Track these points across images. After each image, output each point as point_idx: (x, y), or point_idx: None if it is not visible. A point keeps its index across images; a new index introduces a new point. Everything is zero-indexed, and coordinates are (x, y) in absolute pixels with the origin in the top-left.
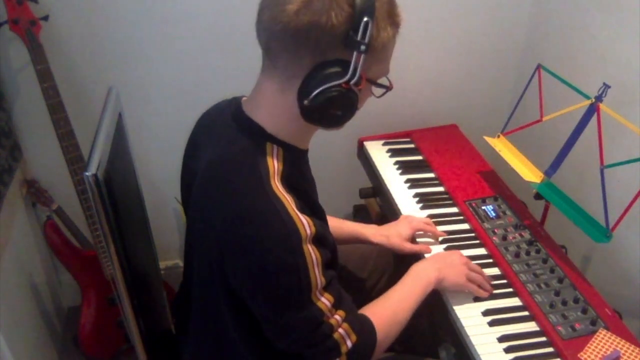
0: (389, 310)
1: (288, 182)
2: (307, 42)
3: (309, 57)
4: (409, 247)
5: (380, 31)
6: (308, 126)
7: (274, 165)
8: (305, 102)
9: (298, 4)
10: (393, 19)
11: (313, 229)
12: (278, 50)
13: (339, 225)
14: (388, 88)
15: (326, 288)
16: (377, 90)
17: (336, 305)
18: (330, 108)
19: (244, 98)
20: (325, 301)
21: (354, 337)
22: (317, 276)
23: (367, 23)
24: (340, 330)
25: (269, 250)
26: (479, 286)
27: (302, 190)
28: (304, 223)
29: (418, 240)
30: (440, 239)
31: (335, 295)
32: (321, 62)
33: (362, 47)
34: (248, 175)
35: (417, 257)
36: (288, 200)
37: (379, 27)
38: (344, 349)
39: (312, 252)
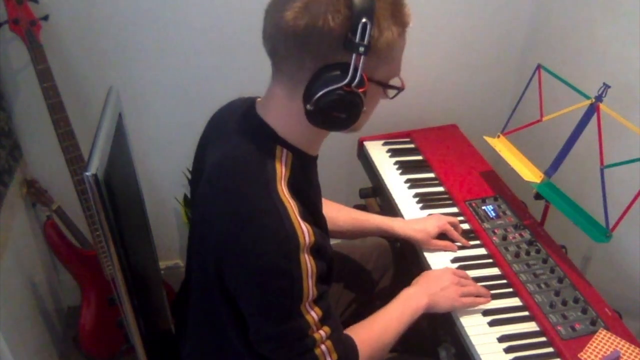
0: (374, 334)
1: (294, 187)
2: (307, 46)
3: (311, 61)
4: (434, 243)
5: (383, 31)
6: (317, 131)
7: (282, 169)
8: (308, 106)
9: (295, 10)
10: (398, 18)
11: (312, 238)
12: (282, 56)
13: (365, 217)
14: (399, 89)
15: (317, 301)
16: (390, 92)
17: (323, 321)
18: (333, 111)
19: (258, 99)
20: (313, 314)
21: (335, 356)
22: (310, 287)
23: (365, 24)
24: (323, 346)
25: (265, 253)
26: (476, 297)
27: (307, 197)
28: (305, 231)
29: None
30: (457, 243)
31: (324, 309)
32: (323, 66)
33: (361, 49)
34: (254, 177)
35: (418, 262)
36: (292, 206)
37: (382, 28)
38: None
39: (307, 262)
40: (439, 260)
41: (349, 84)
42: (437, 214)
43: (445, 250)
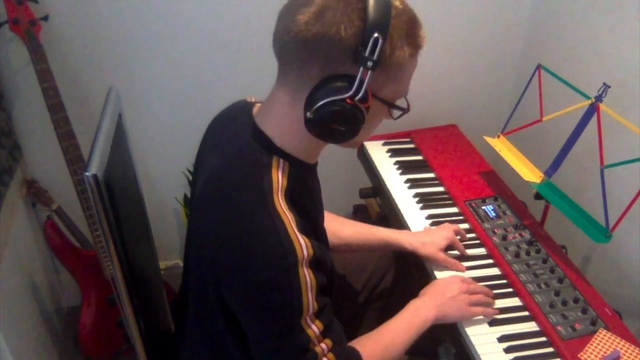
0: (380, 346)
1: (291, 198)
2: (316, 53)
3: (318, 69)
4: (442, 257)
5: (395, 50)
6: (317, 141)
7: (279, 180)
8: (308, 114)
9: (309, 15)
10: (412, 39)
11: (311, 251)
12: (289, 61)
13: (370, 231)
14: (404, 110)
15: (318, 315)
16: (395, 112)
17: (324, 334)
18: (332, 122)
19: (256, 104)
20: (314, 328)
21: None
22: (310, 301)
23: (377, 39)
24: (325, 359)
25: (263, 268)
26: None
27: (306, 209)
28: (302, 244)
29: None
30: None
31: (325, 323)
32: (329, 75)
33: (370, 64)
34: (250, 190)
35: (419, 263)
36: (289, 219)
37: (394, 46)
38: None
39: (307, 275)
40: None
41: (352, 97)
42: (445, 223)
43: (452, 267)
